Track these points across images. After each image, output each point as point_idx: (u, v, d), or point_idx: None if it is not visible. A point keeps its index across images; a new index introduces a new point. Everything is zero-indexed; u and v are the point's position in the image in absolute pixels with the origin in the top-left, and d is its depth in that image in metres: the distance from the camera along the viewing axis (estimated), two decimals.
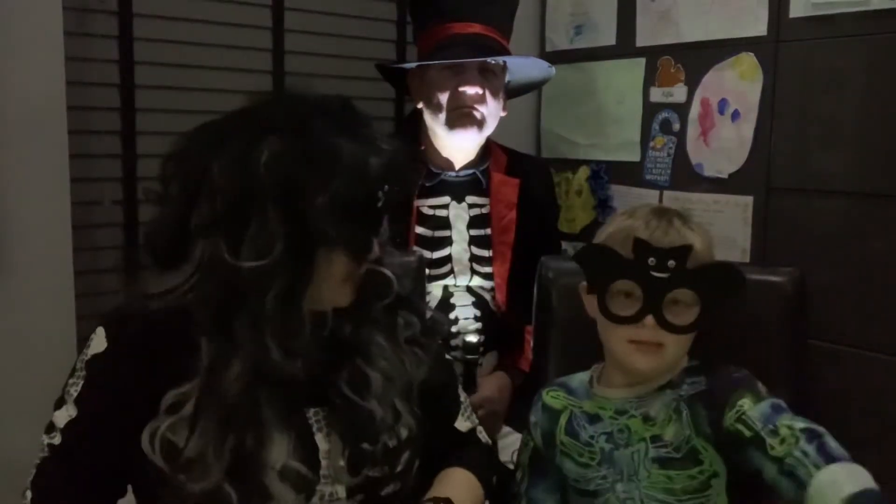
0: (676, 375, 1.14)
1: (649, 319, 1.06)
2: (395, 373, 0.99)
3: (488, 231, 1.69)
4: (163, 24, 1.69)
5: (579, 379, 1.21)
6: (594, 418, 1.15)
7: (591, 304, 1.13)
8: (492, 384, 1.65)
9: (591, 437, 1.14)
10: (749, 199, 1.71)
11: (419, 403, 1.03)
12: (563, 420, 1.17)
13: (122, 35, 1.65)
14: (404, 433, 1.00)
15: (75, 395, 0.93)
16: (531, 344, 1.53)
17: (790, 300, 1.31)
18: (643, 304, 1.07)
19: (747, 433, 1.01)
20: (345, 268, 0.93)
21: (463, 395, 1.16)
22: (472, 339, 1.58)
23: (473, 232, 1.69)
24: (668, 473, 1.08)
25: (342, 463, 0.95)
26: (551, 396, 1.20)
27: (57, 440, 0.92)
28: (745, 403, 1.04)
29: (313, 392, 0.96)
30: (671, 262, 1.05)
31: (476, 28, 1.66)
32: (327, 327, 0.99)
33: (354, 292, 0.96)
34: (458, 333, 1.64)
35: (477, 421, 1.17)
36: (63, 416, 0.93)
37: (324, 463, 0.95)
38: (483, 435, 1.17)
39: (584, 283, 1.14)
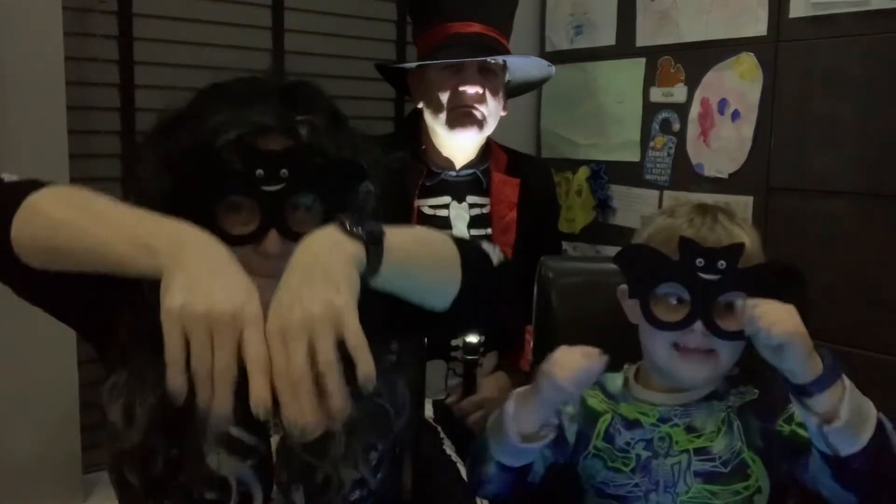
0: (720, 384, 1.10)
1: (698, 325, 0.99)
2: (359, 425, 0.88)
3: (489, 231, 1.69)
4: (163, 24, 1.69)
5: (613, 381, 1.16)
6: (632, 424, 1.10)
7: (632, 309, 1.08)
8: (492, 384, 1.65)
9: (628, 443, 1.09)
10: (749, 199, 1.71)
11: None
12: (602, 425, 1.12)
13: (122, 35, 1.65)
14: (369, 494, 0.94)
15: None
16: (531, 344, 1.53)
17: (790, 300, 1.31)
18: (691, 308, 0.99)
19: (806, 436, 0.97)
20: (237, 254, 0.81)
21: None
22: (473, 339, 1.58)
23: (474, 232, 1.69)
24: (711, 488, 1.05)
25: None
26: (590, 395, 1.15)
27: None
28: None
29: None
30: (721, 263, 0.96)
31: (476, 27, 1.66)
32: None
33: (269, 297, 0.78)
34: None
35: None
36: None
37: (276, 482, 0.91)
38: None
39: (624, 287, 1.09)
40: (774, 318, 0.90)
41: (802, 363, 0.91)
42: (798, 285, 1.00)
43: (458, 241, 0.92)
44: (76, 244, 0.78)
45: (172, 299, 0.69)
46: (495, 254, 0.99)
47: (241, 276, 0.74)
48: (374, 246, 0.77)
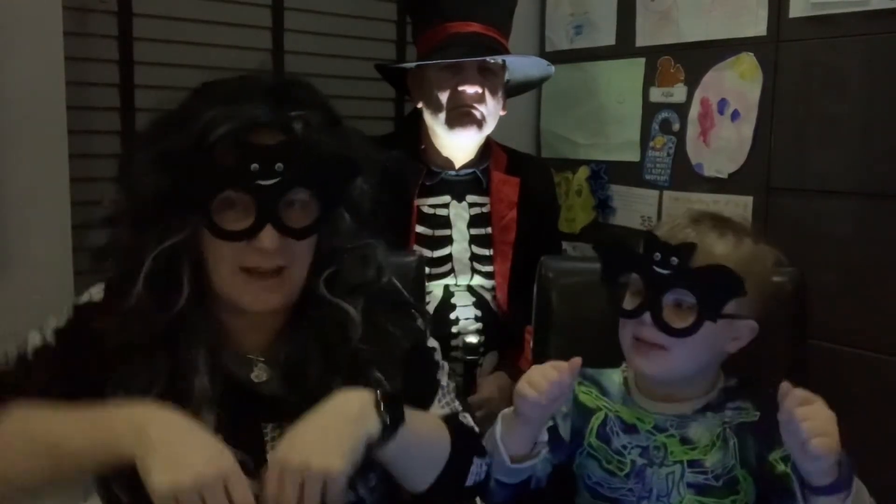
0: (715, 396, 1.12)
1: (647, 317, 1.05)
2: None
3: (489, 230, 1.69)
4: (163, 24, 1.69)
5: (610, 378, 1.18)
6: (630, 428, 1.12)
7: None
8: (492, 384, 1.65)
9: (624, 446, 1.11)
10: (749, 199, 1.71)
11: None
12: (595, 422, 1.14)
13: (122, 35, 1.65)
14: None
15: (56, 326, 0.93)
16: (531, 344, 1.53)
17: (790, 300, 1.31)
18: (643, 299, 1.06)
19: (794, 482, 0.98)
20: (225, 251, 0.87)
21: (445, 380, 1.06)
22: (473, 339, 1.58)
23: (474, 231, 1.69)
24: (703, 500, 1.07)
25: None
26: (583, 391, 1.17)
27: (22, 354, 0.93)
28: None
29: (274, 408, 0.92)
30: (674, 259, 1.03)
31: (475, 27, 1.66)
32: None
33: (265, 296, 0.89)
34: (458, 334, 1.64)
35: (459, 407, 1.07)
36: (37, 338, 0.93)
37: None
38: (467, 419, 1.06)
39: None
40: (819, 430, 0.90)
41: (824, 472, 0.92)
42: (735, 289, 1.02)
43: (455, 442, 0.97)
44: (36, 478, 0.85)
45: (160, 480, 0.75)
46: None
47: (207, 438, 0.80)
48: (390, 431, 0.84)
